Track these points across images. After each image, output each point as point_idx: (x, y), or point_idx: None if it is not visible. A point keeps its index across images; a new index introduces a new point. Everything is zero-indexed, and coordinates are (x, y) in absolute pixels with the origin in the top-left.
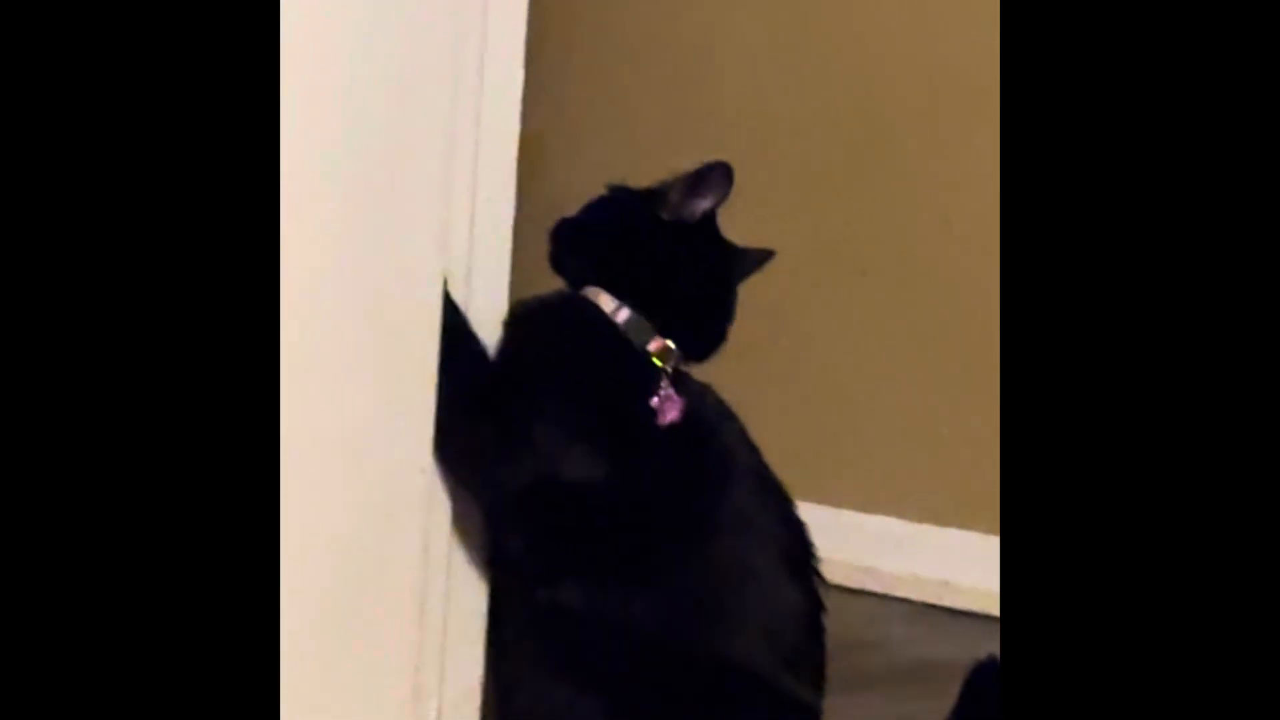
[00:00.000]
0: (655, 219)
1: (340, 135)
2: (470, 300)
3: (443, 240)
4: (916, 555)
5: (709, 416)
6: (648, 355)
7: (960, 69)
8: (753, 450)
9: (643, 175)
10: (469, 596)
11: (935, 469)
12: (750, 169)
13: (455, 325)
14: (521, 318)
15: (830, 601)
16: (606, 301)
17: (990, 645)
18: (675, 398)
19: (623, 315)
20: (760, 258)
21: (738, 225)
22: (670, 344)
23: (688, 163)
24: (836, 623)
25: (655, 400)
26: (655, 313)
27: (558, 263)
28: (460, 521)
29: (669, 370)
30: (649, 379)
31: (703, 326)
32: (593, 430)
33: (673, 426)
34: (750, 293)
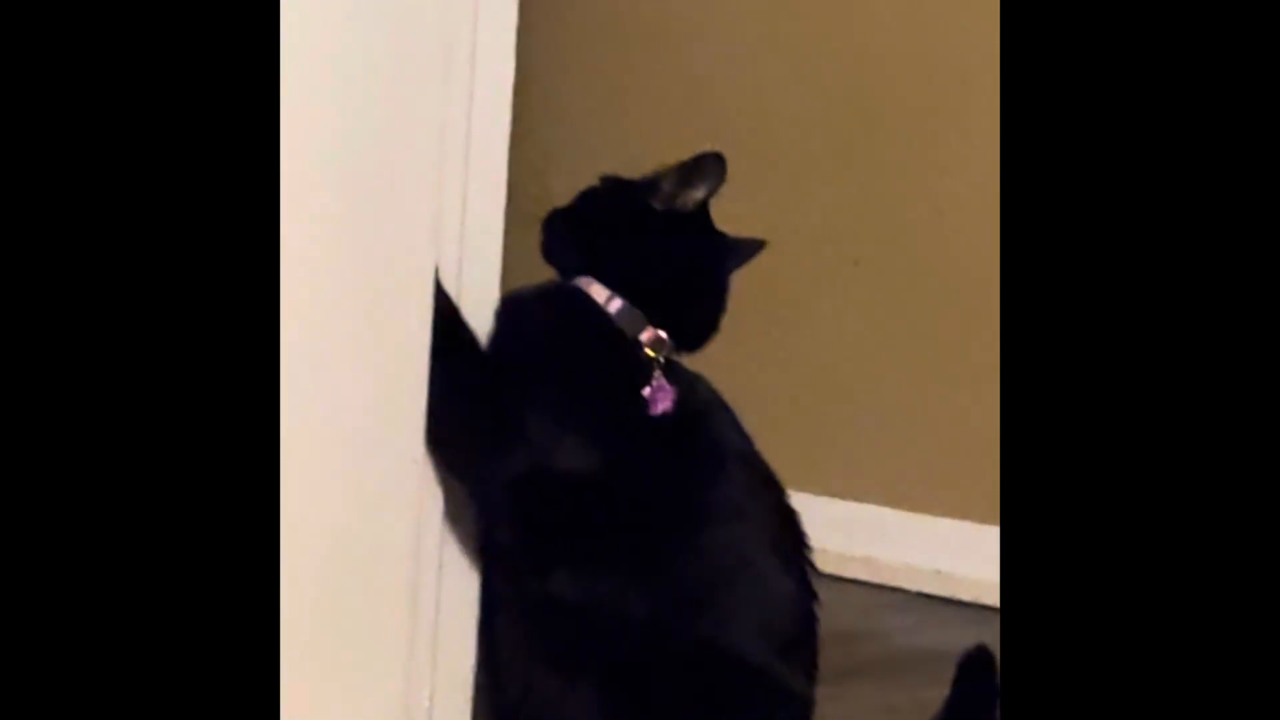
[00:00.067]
0: (647, 209)
1: (331, 127)
2: (462, 291)
3: (434, 230)
4: (909, 544)
5: (701, 406)
6: (640, 345)
7: (952, 57)
8: (745, 440)
9: (635, 166)
10: (461, 586)
11: (928, 458)
12: (742, 159)
13: (447, 315)
14: (513, 308)
15: (823, 591)
16: (598, 292)
17: (984, 634)
18: (667, 388)
19: (615, 305)
20: (752, 248)
21: (730, 215)
22: (662, 334)
23: (680, 153)
24: (829, 612)
25: (648, 390)
26: (647, 303)
27: (549, 253)
28: (452, 511)
29: (661, 360)
30: (641, 369)
31: (695, 317)
32: (585, 420)
33: (665, 416)
34: (743, 283)
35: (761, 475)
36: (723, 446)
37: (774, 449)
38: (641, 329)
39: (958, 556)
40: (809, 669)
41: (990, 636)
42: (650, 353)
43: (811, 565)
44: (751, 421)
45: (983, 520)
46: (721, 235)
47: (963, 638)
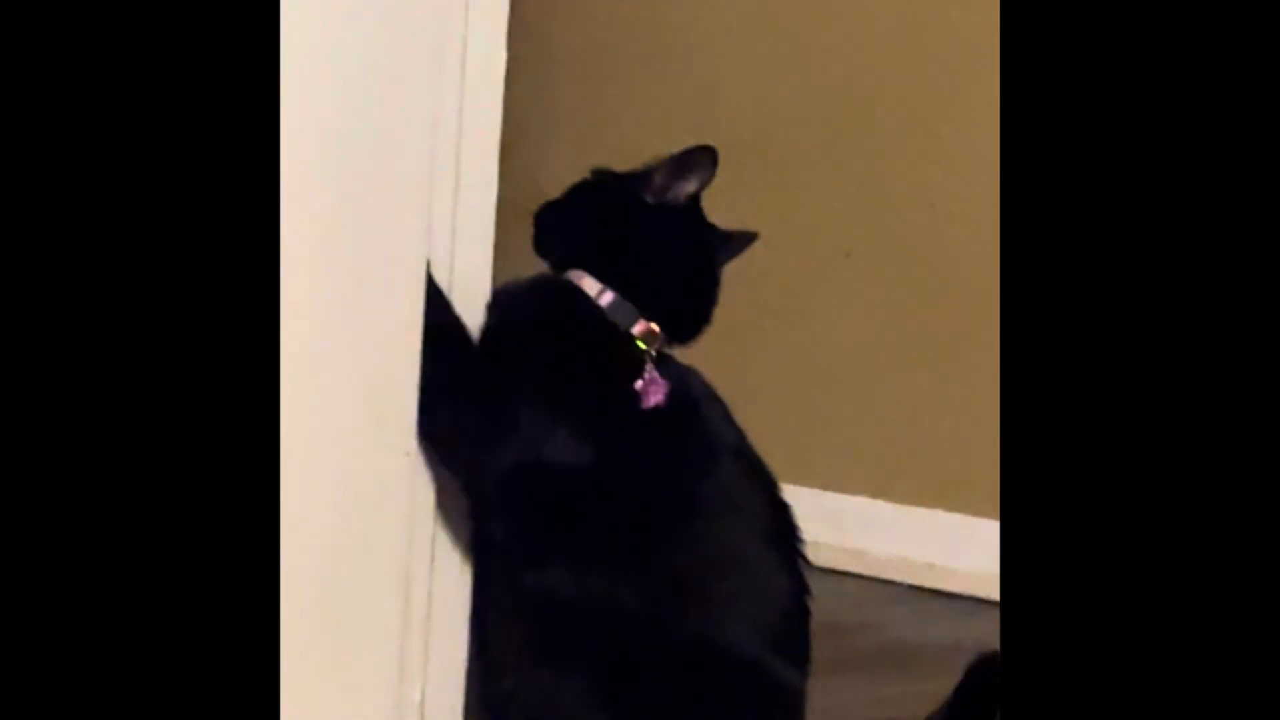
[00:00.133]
0: (639, 202)
1: (322, 121)
2: (453, 284)
3: (426, 224)
4: (902, 537)
5: (694, 399)
6: (632, 338)
7: (945, 50)
8: (738, 433)
9: (626, 159)
10: (453, 579)
11: (920, 451)
12: (734, 152)
13: (439, 309)
14: (505, 301)
15: (816, 583)
16: (590, 285)
17: (977, 627)
18: (660, 381)
19: (607, 298)
20: (744, 240)
21: (722, 208)
22: (654, 327)
23: (671, 146)
24: (822, 605)
25: (640, 383)
26: (639, 296)
27: (541, 246)
28: (444, 504)
29: (653, 353)
30: (633, 362)
31: (687, 309)
32: (577, 413)
33: (657, 409)
34: (735, 275)
35: (754, 468)
36: (715, 439)
37: (766, 442)
38: (633, 322)
39: (950, 549)
40: (801, 662)
41: (983, 629)
42: (642, 345)
43: (804, 558)
44: (744, 414)
45: (975, 513)
46: (713, 228)
47: (956, 630)
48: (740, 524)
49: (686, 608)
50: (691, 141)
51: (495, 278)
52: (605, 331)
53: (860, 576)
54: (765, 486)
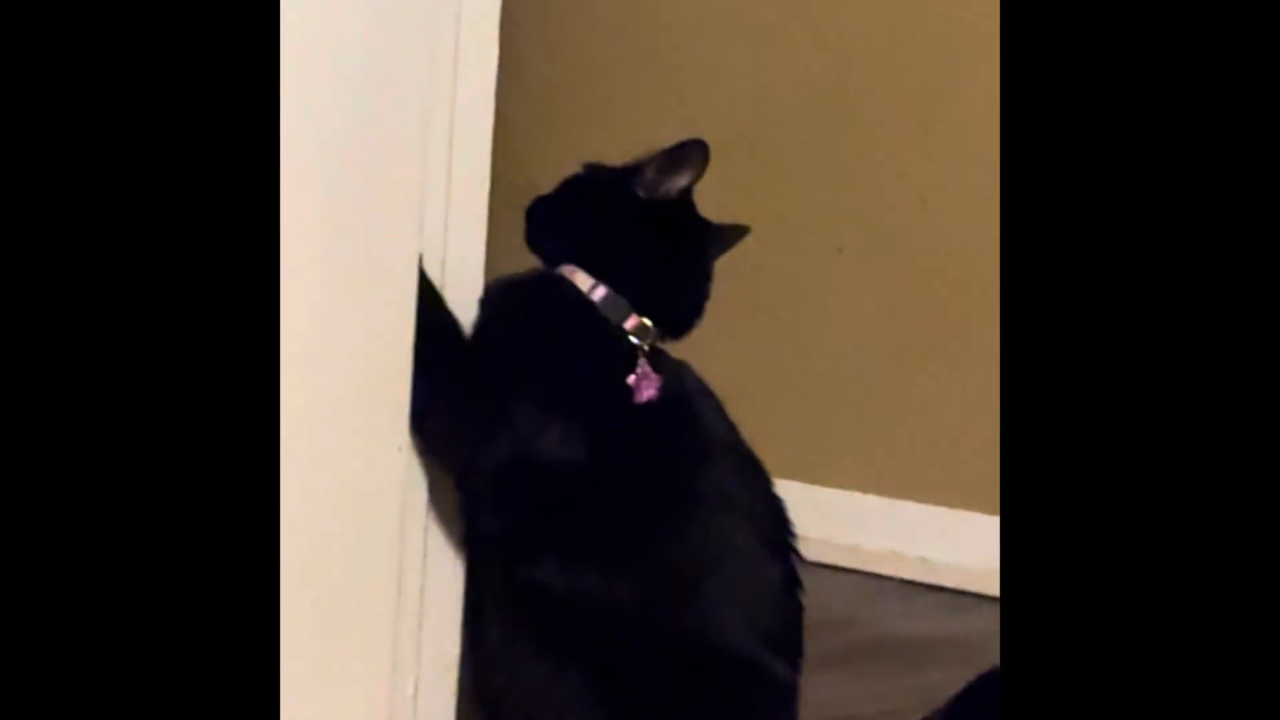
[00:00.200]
0: (631, 197)
1: (315, 115)
2: (446, 279)
3: (418, 219)
4: (894, 532)
5: (686, 394)
6: (624, 333)
7: (936, 45)
8: (731, 428)
9: (618, 153)
10: (446, 573)
11: (913, 446)
12: (726, 146)
13: (431, 304)
14: (497, 297)
15: (809, 579)
16: (583, 280)
17: (969, 622)
18: (652, 375)
19: (599, 293)
20: (736, 234)
21: (714, 203)
22: (647, 322)
23: (663, 140)
24: (815, 600)
25: (633, 378)
26: (631, 291)
27: (533, 241)
28: (437, 499)
29: (646, 348)
30: (626, 357)
31: (679, 304)
32: (570, 408)
33: (650, 404)
34: (727, 270)
35: (747, 463)
36: (708, 434)
37: (759, 437)
38: (626, 316)
39: (943, 544)
40: (794, 657)
41: (976, 624)
42: (635, 340)
43: (797, 553)
44: (737, 409)
45: (969, 507)
46: (705, 222)
47: (948, 625)
48: (733, 519)
49: (679, 603)
50: (683, 136)
51: (488, 273)
52: (598, 326)
53: (853, 571)
54: (758, 481)
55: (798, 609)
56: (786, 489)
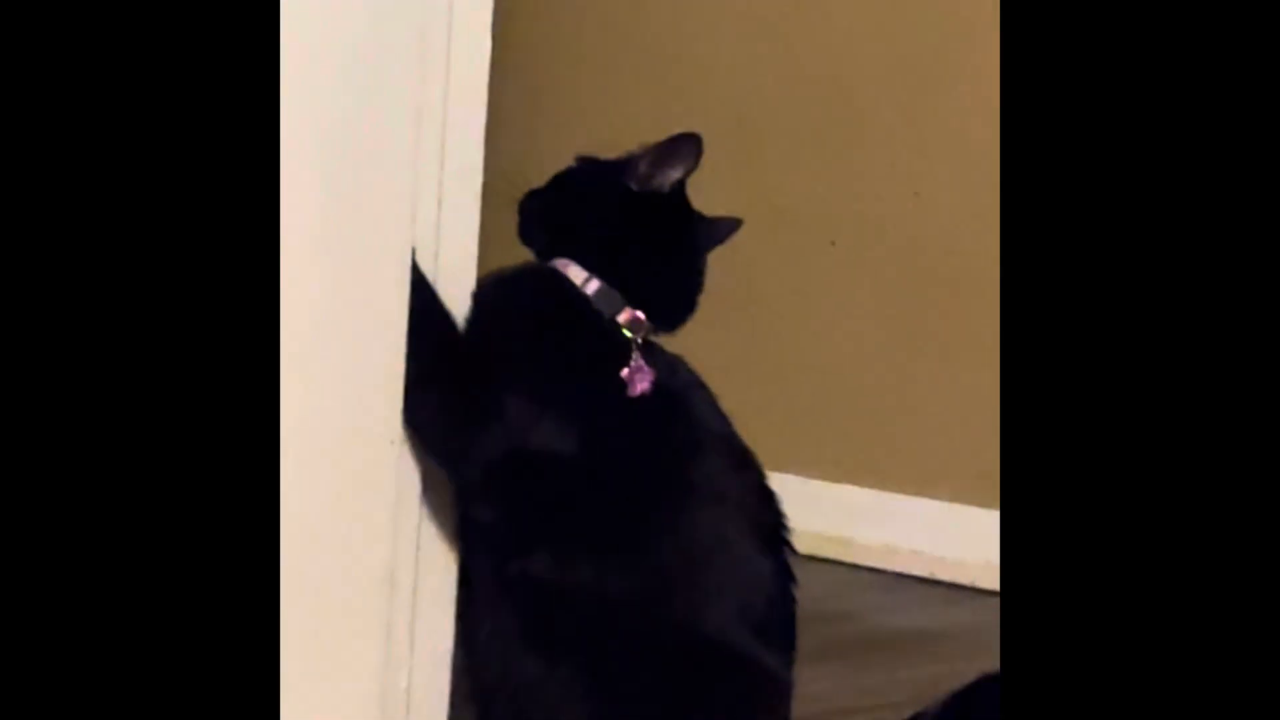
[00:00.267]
0: (624, 190)
1: (306, 110)
2: (439, 272)
3: (411, 212)
4: (888, 525)
5: (679, 387)
6: (617, 326)
7: (929, 38)
8: (723, 420)
9: (611, 146)
10: (439, 566)
11: (906, 438)
12: (719, 139)
13: (424, 297)
14: (490, 290)
15: (802, 571)
16: (576, 273)
17: (963, 614)
18: (646, 369)
19: (592, 287)
20: (728, 227)
21: (707, 196)
22: (640, 315)
23: (656, 134)
24: (808, 592)
25: (626, 371)
26: (625, 284)
27: (526, 235)
28: (430, 492)
29: (639, 341)
30: (619, 350)
31: (672, 297)
32: (563, 402)
33: (643, 397)
34: (721, 264)
35: (740, 456)
36: (701, 427)
37: (752, 430)
38: (619, 310)
39: (936, 536)
40: (787, 650)
41: (969, 616)
42: (628, 333)
43: (790, 546)
44: (729, 402)
45: (962, 500)
46: (698, 215)
47: (942, 617)
48: (726, 512)
49: (672, 596)
50: (676, 129)
51: (480, 266)
52: (591, 319)
53: (846, 564)
54: (751, 474)
55: (790, 602)
56: (779, 481)
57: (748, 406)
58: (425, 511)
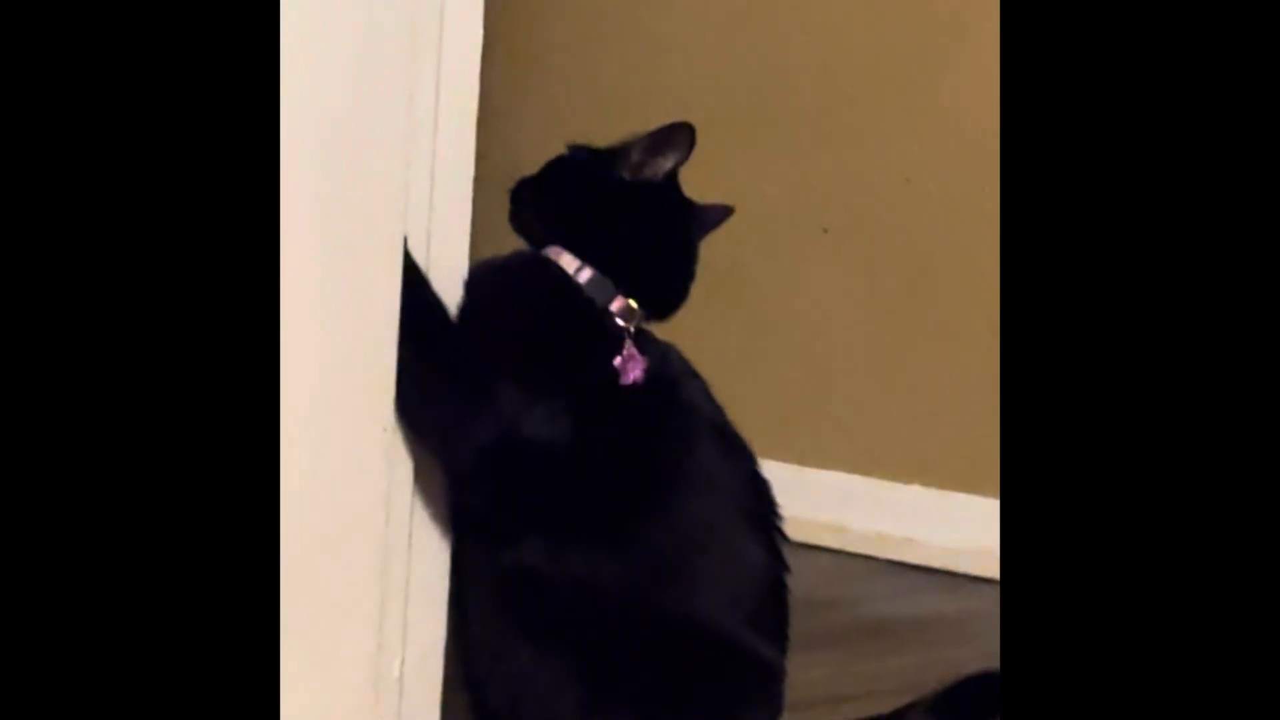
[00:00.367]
0: (616, 179)
1: (298, 99)
2: (431, 260)
3: (403, 200)
4: (880, 512)
5: (672, 375)
6: (610, 315)
7: (920, 24)
8: (716, 409)
9: (603, 134)
10: (431, 554)
11: (898, 426)
12: (710, 126)
13: (416, 285)
14: (482, 278)
15: (794, 559)
16: (568, 261)
17: (955, 602)
18: (638, 357)
19: (584, 275)
20: (720, 214)
21: (699, 184)
22: (632, 303)
23: (649, 122)
24: (801, 580)
25: (618, 360)
26: (617, 272)
27: (518, 223)
28: (422, 479)
29: (631, 330)
30: (612, 339)
31: (664, 285)
32: (555, 390)
33: (636, 386)
34: (713, 251)
35: (732, 444)
36: (694, 415)
37: (745, 417)
38: (611, 298)
39: (929, 524)
40: (779, 638)
41: (961, 604)
42: (620, 322)
43: (782, 533)
44: (721, 390)
45: (955, 488)
46: (690, 203)
47: (934, 605)
48: (718, 500)
49: (664, 584)
50: (667, 116)
51: (472, 254)
52: (583, 308)
53: (838, 552)
54: (743, 462)
55: (783, 590)
56: (772, 469)
57: (740, 394)
58: (417, 499)
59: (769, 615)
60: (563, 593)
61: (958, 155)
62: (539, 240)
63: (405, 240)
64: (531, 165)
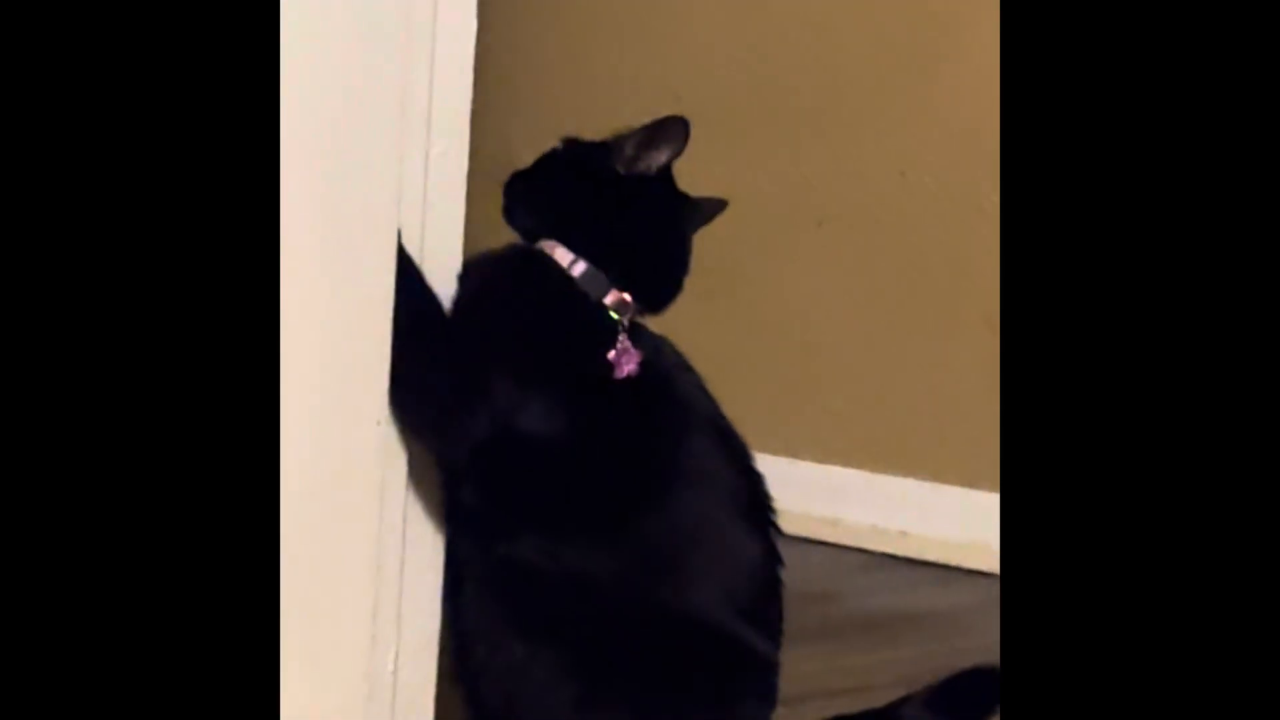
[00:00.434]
0: (610, 172)
1: (290, 90)
2: (424, 254)
3: (396, 193)
4: (874, 506)
5: (666, 369)
6: (604, 308)
7: (914, 17)
8: (710, 402)
9: (598, 128)
10: (425, 548)
11: (893, 419)
12: (704, 119)
13: (410, 279)
14: (476, 271)
15: (789, 552)
16: (562, 255)
17: (949, 595)
18: (632, 351)
19: (578, 268)
20: (714, 207)
21: (694, 177)
22: (626, 297)
23: (643, 115)
24: (795, 573)
25: (612, 353)
26: (611, 266)
27: (512, 216)
28: (416, 473)
29: (625, 323)
30: (606, 332)
31: (658, 278)
32: (549, 383)
33: (630, 379)
34: (707, 245)
35: (727, 438)
36: (688, 409)
37: (739, 411)
38: (605, 292)
39: (923, 517)
40: (774, 631)
41: (956, 597)
42: (614, 315)
43: (776, 527)
44: (716, 384)
45: (949, 481)
46: (684, 196)
47: (929, 598)
48: (713, 494)
49: (659, 578)
50: (661, 109)
51: (466, 248)
52: (577, 301)
53: (833, 545)
54: (738, 456)
55: (777, 583)
56: (766, 463)
57: (734, 388)
58: (411, 493)
59: (763, 609)
60: (557, 587)
61: (952, 149)
62: (533, 234)
63: (399, 234)
64: (525, 159)
